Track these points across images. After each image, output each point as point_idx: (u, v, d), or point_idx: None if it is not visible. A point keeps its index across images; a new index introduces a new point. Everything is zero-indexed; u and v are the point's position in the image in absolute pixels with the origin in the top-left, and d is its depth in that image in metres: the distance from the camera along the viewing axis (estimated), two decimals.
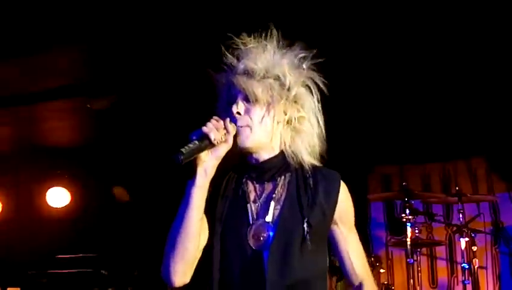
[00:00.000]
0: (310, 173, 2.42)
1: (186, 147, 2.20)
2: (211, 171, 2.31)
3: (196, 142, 2.23)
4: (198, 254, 2.35)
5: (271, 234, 2.33)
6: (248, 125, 2.36)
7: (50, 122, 7.44)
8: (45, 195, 8.29)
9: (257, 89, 2.35)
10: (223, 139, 2.30)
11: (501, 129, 7.13)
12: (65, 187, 8.32)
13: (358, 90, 6.33)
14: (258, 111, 2.37)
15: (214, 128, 2.27)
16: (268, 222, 2.36)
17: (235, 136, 2.34)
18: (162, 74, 6.16)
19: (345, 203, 2.46)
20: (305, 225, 2.32)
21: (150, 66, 6.00)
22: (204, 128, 2.26)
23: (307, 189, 2.39)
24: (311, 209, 2.36)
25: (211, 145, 2.27)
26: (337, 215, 2.44)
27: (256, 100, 2.36)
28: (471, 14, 5.11)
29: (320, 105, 2.47)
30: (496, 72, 6.12)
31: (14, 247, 7.90)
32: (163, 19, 5.16)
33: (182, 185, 2.32)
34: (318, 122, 2.46)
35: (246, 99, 2.38)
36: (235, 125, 2.35)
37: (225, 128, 2.30)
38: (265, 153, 2.42)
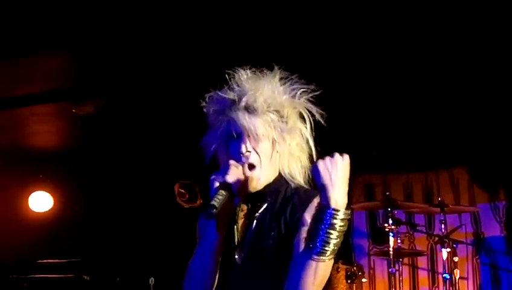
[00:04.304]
0: (292, 192, 2.48)
1: (216, 199, 2.27)
2: (230, 216, 2.41)
3: (222, 191, 2.30)
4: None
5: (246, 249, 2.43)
6: (257, 165, 2.42)
7: (33, 126, 7.41)
8: (28, 199, 8.27)
9: (260, 127, 2.40)
10: (243, 187, 2.38)
11: (483, 140, 7.18)
12: (48, 192, 8.29)
13: (342, 100, 6.36)
14: (263, 148, 2.43)
15: (235, 177, 2.34)
16: (247, 240, 2.44)
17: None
18: (148, 79, 6.17)
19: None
20: (270, 241, 2.38)
21: (136, 71, 6.01)
22: (228, 178, 2.32)
23: (282, 206, 2.45)
24: (278, 225, 2.41)
25: (233, 193, 2.35)
26: None
27: (259, 138, 2.42)
28: (452, 31, 5.18)
29: (312, 130, 2.52)
30: (478, 84, 6.17)
31: None
32: (151, 26, 5.17)
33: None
34: (309, 146, 2.51)
35: (250, 136, 2.42)
36: (241, 163, 2.39)
37: (243, 173, 2.38)
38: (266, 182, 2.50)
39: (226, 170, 2.35)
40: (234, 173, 2.34)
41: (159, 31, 5.21)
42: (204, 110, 2.52)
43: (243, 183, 2.37)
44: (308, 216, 2.34)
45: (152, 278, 6.79)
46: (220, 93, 2.48)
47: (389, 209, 6.43)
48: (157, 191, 7.78)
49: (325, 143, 2.51)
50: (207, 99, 2.51)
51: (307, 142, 2.51)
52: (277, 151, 2.47)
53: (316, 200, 2.36)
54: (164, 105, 6.59)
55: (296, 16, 4.92)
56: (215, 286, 2.41)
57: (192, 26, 5.08)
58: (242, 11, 4.83)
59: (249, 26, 5.04)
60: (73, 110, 6.54)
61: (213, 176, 2.35)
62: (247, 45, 5.08)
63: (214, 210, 2.25)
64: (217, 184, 2.32)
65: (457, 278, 6.43)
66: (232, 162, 2.38)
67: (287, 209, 2.42)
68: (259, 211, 2.46)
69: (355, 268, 6.41)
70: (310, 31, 5.15)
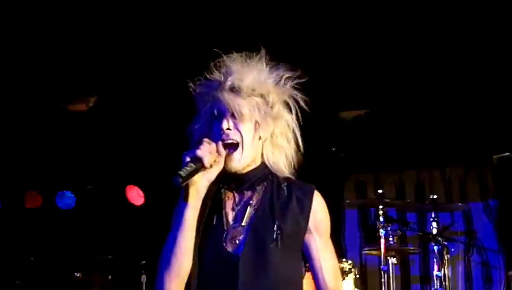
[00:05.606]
0: (285, 183, 2.50)
1: (183, 170, 2.28)
2: (203, 192, 2.39)
3: (192, 164, 2.30)
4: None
5: (244, 237, 2.39)
6: (238, 142, 2.42)
7: None
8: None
9: (244, 107, 2.41)
10: (216, 162, 2.37)
11: (475, 138, 7.20)
12: (37, 189, 8.27)
13: (334, 99, 6.37)
14: (246, 128, 2.43)
15: (207, 151, 2.34)
16: (243, 226, 2.42)
17: (225, 157, 2.41)
18: (138, 77, 6.17)
19: (319, 213, 2.50)
20: (275, 229, 2.37)
21: (128, 70, 6.00)
22: (198, 152, 2.32)
23: (280, 196, 2.46)
24: (283, 215, 2.41)
25: (203, 167, 2.34)
26: (311, 224, 2.47)
27: (243, 118, 2.42)
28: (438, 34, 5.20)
29: (298, 121, 2.53)
30: (471, 84, 6.19)
31: None
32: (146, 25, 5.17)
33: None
34: (296, 137, 2.53)
35: (233, 116, 2.43)
36: (223, 141, 2.40)
37: (217, 151, 2.37)
38: (247, 166, 2.48)
39: (198, 146, 2.36)
40: (206, 149, 2.34)
41: (149, 22, 5.20)
42: (193, 93, 2.53)
43: (217, 158, 2.37)
44: (316, 207, 2.48)
45: (144, 275, 6.79)
46: (207, 76, 2.50)
47: (381, 207, 6.43)
48: (148, 188, 7.81)
49: (312, 136, 2.53)
50: (195, 83, 2.53)
51: (293, 132, 2.52)
52: (260, 137, 2.47)
53: (315, 198, 2.49)
54: (152, 99, 6.58)
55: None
56: (189, 271, 2.37)
57: (181, 15, 5.08)
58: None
59: (237, 12, 5.03)
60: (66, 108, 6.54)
61: (185, 153, 2.35)
62: (236, 30, 5.06)
63: (180, 179, 2.25)
64: (187, 159, 2.32)
65: (448, 276, 6.45)
66: (205, 139, 2.38)
67: (292, 201, 2.45)
68: (253, 199, 2.46)
69: (346, 265, 6.40)
70: (300, 19, 5.16)
